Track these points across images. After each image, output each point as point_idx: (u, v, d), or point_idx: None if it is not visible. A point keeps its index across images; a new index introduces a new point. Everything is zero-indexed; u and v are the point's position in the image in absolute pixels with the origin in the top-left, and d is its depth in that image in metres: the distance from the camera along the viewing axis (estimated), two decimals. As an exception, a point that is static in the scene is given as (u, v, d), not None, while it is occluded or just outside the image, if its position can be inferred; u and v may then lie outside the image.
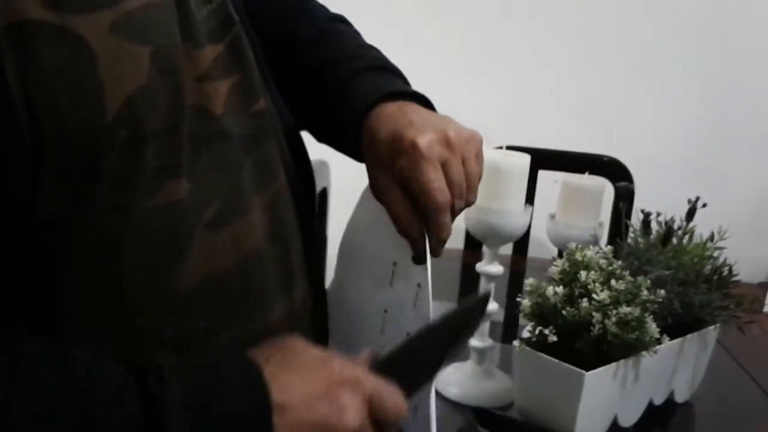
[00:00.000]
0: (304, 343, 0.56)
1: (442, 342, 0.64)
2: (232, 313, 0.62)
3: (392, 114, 0.71)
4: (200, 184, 0.58)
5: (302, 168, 0.76)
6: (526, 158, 0.98)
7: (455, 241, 1.87)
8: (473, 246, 1.85)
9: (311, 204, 0.78)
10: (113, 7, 0.51)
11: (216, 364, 0.53)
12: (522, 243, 1.81)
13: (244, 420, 0.50)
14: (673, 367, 1.02)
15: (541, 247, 1.89)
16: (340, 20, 0.86)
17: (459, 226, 1.93)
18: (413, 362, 0.63)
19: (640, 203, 1.13)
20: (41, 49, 0.47)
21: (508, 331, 1.29)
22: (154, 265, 0.55)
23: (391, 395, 0.57)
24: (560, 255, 1.59)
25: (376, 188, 0.72)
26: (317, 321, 0.76)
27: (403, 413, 0.57)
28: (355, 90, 0.75)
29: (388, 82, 0.76)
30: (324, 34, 0.81)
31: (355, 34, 0.85)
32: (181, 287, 0.57)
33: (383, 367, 0.60)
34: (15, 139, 0.47)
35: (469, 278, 1.66)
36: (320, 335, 0.77)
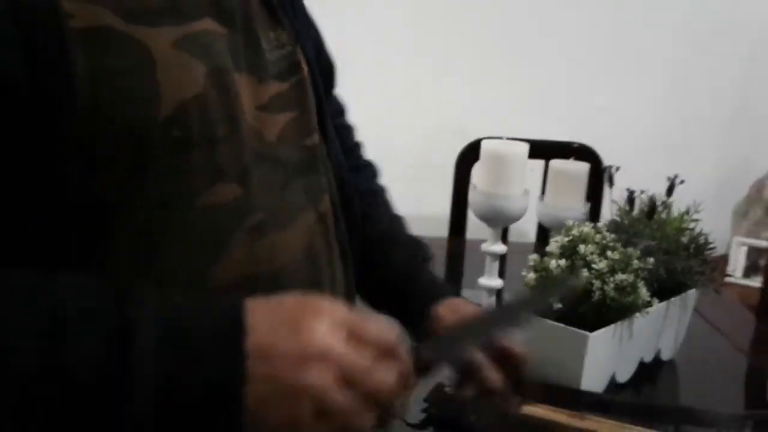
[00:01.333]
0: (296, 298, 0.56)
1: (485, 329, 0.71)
2: None
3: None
4: (247, 193, 0.64)
5: (347, 206, 0.83)
6: (524, 147, 1.09)
7: (440, 230, 1.99)
8: (456, 234, 1.97)
9: (353, 238, 0.84)
10: (177, 26, 0.60)
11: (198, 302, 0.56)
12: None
13: (212, 335, 0.51)
14: (660, 328, 1.15)
15: (516, 232, 2.01)
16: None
17: (442, 215, 2.05)
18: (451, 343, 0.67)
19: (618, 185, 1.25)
20: (109, 51, 0.55)
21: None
22: (190, 262, 0.60)
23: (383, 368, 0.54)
24: (541, 236, 1.72)
25: None
26: None
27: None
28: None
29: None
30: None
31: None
32: (213, 286, 0.61)
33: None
34: (73, 126, 0.54)
35: (454, 264, 1.78)
36: None
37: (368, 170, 0.99)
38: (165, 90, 0.57)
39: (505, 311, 0.79)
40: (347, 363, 0.51)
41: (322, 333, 0.51)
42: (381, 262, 0.90)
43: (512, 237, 1.97)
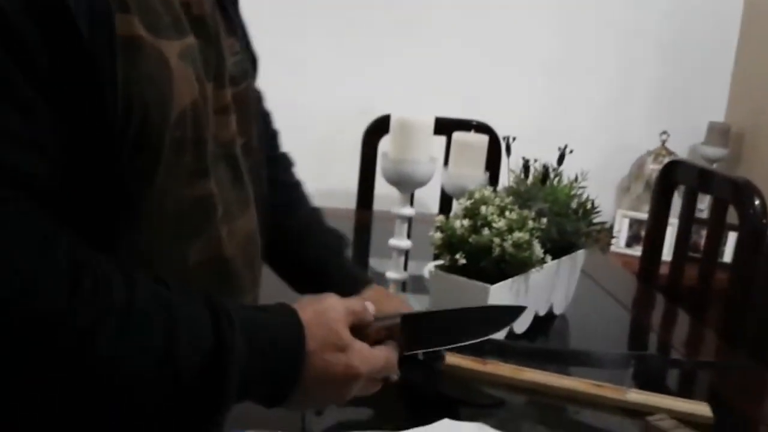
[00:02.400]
0: (335, 303, 0.73)
1: (472, 321, 0.82)
2: (232, 289, 0.77)
3: None
4: (219, 189, 0.73)
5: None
6: (431, 117, 1.18)
7: (347, 202, 2.07)
8: (364, 206, 2.05)
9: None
10: (179, 39, 0.67)
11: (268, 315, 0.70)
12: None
13: (281, 361, 0.68)
14: (552, 284, 1.26)
15: (419, 204, 2.10)
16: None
17: (350, 189, 2.12)
18: (440, 325, 0.81)
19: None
20: (142, 59, 0.62)
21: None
22: (174, 244, 0.70)
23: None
24: (444, 207, 1.82)
25: None
26: None
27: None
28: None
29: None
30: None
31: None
32: (187, 266, 0.71)
33: (413, 318, 0.78)
34: (113, 125, 0.61)
35: (363, 233, 1.86)
36: None
37: (285, 161, 1.07)
38: (176, 96, 0.65)
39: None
40: (373, 366, 0.73)
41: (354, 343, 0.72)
42: (297, 258, 1.01)
43: (417, 208, 2.08)
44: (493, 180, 1.28)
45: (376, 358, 0.73)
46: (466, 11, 2.54)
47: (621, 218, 2.52)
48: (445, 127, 1.90)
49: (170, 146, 0.65)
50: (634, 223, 2.49)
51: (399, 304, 0.99)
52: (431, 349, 0.82)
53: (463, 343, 0.82)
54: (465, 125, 1.98)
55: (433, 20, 2.53)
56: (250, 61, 0.89)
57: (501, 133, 1.98)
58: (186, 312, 0.63)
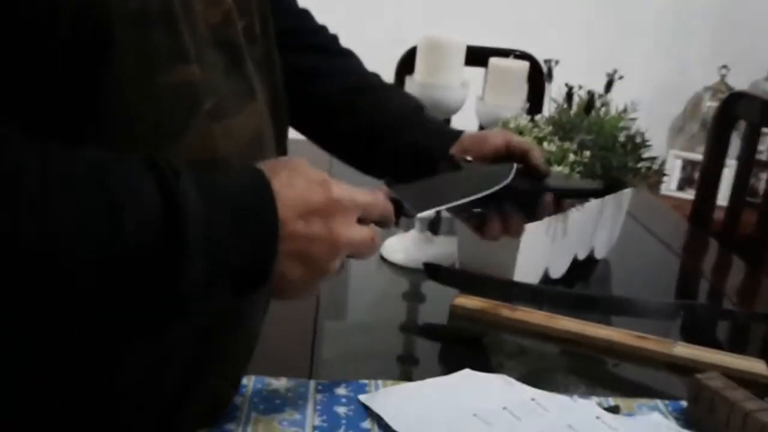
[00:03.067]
0: (306, 164, 0.63)
1: (467, 182, 0.80)
2: None
3: None
4: (205, 76, 0.61)
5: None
6: (462, 40, 1.06)
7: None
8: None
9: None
10: None
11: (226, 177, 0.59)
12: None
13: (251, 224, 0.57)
14: (594, 226, 1.15)
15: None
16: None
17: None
18: (434, 189, 0.77)
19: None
20: None
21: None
22: (150, 141, 0.58)
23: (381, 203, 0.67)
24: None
25: None
26: None
27: (390, 217, 0.69)
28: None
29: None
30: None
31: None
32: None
33: (403, 187, 0.72)
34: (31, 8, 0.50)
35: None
36: None
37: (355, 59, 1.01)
38: None
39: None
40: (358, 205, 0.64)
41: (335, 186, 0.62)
42: (374, 106, 0.94)
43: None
44: (535, 111, 1.16)
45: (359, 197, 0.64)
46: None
47: (673, 159, 2.36)
48: (482, 56, 1.77)
49: (125, 21, 0.54)
50: (687, 165, 2.34)
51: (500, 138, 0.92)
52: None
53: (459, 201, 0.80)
54: (504, 53, 1.85)
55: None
56: None
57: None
58: (125, 182, 0.52)
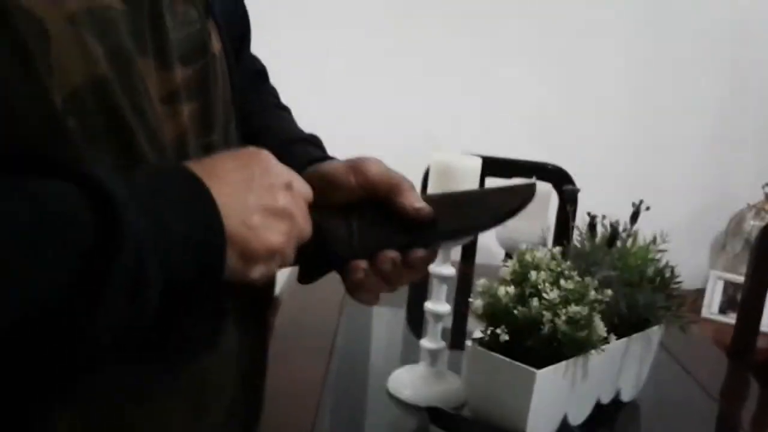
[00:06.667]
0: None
1: (483, 205, 0.76)
2: None
3: None
4: None
5: None
6: (477, 161, 1.00)
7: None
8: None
9: None
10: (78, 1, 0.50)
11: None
12: (470, 249, 1.83)
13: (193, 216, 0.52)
14: (619, 367, 1.05)
15: (488, 252, 1.92)
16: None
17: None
18: (449, 208, 0.72)
19: (581, 211, 1.16)
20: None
21: (455, 335, 1.31)
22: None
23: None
24: (508, 257, 1.62)
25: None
26: None
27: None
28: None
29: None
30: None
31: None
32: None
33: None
34: None
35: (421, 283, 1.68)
36: None
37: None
38: (57, 73, 0.49)
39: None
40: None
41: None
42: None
43: (480, 259, 1.88)
44: (562, 237, 1.08)
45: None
46: (551, 46, 2.36)
47: (715, 280, 2.24)
48: (508, 168, 1.71)
49: (56, 135, 0.49)
50: (729, 287, 2.21)
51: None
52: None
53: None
54: (540, 168, 1.80)
55: (517, 51, 2.35)
56: (231, 27, 0.71)
57: (577, 179, 1.79)
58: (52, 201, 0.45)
